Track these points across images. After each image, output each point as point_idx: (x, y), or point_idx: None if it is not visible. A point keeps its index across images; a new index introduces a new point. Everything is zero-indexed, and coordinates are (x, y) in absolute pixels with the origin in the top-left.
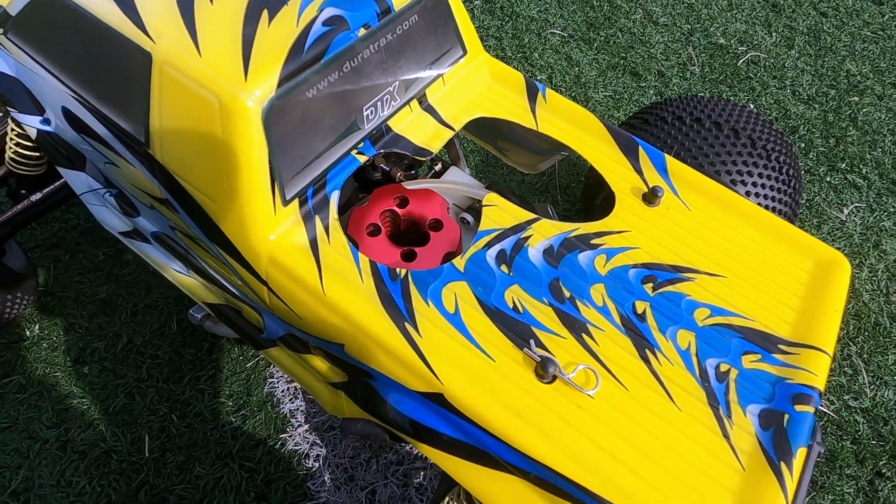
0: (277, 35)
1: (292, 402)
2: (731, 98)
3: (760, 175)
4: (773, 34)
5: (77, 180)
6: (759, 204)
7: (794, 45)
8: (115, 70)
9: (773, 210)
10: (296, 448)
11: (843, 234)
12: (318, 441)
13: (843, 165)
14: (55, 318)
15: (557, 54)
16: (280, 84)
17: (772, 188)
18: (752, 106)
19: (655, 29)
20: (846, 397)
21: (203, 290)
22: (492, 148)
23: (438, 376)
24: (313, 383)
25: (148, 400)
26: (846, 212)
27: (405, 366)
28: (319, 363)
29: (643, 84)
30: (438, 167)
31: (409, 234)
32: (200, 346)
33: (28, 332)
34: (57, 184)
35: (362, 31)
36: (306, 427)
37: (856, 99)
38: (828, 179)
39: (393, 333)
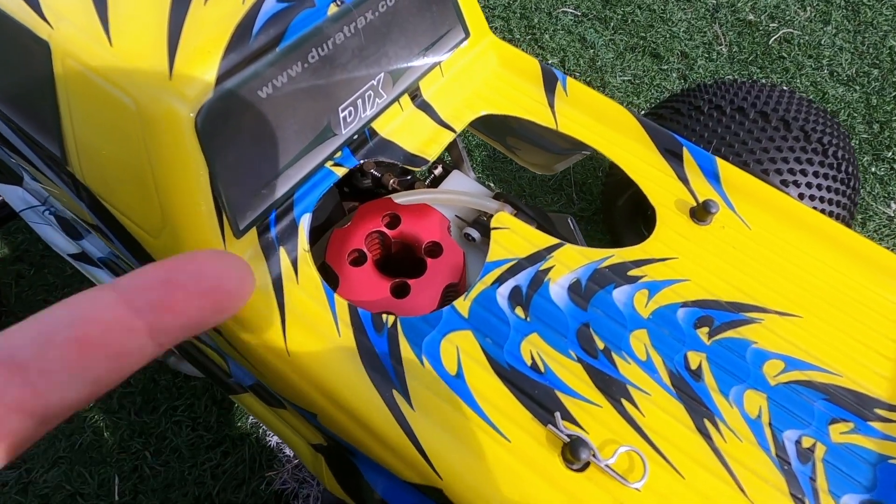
0: (216, 14)
1: None
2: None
3: (816, 174)
4: (808, 8)
5: (14, 196)
6: (814, 208)
7: (830, 20)
8: (18, 67)
9: (830, 215)
10: (283, 487)
11: (891, 231)
12: (309, 478)
13: (890, 154)
14: None
15: (570, 35)
16: (220, 81)
17: (829, 189)
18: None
19: (678, 5)
20: None
21: None
22: (500, 146)
23: (436, 467)
24: (292, 438)
25: (118, 435)
26: (894, 207)
27: (392, 451)
28: (296, 421)
29: (665, 66)
30: (438, 171)
31: (402, 260)
32: (177, 372)
33: None
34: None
35: (333, 9)
36: (295, 463)
37: None
38: (872, 170)
39: (376, 406)
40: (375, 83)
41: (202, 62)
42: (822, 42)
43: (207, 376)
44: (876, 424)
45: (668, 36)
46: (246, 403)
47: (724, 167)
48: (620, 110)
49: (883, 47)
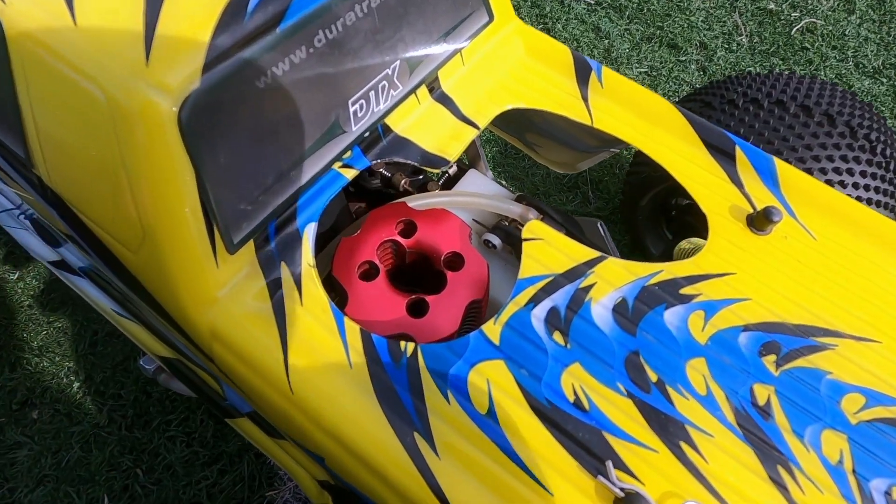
0: None
1: None
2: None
3: (863, 173)
4: None
5: None
6: None
7: (854, 9)
8: None
9: None
10: None
11: None
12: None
13: None
14: None
15: (584, 25)
16: (208, 67)
17: (877, 189)
18: None
19: None
20: None
21: (151, 339)
22: (518, 142)
23: None
24: (296, 469)
25: (108, 451)
26: None
27: None
28: (300, 455)
29: (683, 58)
30: (453, 170)
31: (417, 272)
32: None
33: None
34: None
35: None
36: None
37: None
38: None
39: (394, 452)
40: (390, 72)
41: (186, 44)
42: (847, 32)
43: (200, 397)
44: None
45: (685, 26)
46: (243, 429)
47: (783, 168)
48: (663, 104)
49: None
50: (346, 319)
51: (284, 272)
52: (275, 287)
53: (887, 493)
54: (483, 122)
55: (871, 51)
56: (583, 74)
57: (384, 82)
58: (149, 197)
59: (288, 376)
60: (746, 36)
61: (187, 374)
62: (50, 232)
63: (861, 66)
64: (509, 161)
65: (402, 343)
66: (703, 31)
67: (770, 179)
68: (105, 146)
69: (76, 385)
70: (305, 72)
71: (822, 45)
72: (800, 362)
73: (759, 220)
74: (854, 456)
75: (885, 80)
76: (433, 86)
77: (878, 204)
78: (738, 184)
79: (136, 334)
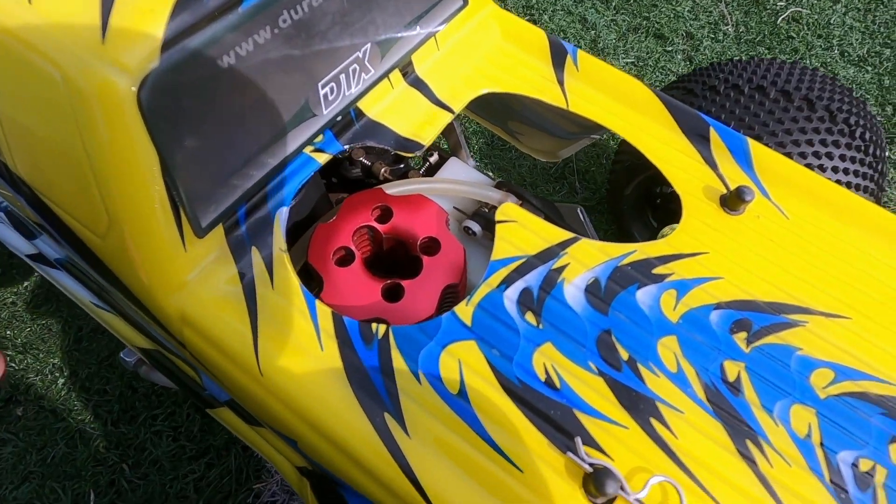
0: None
1: None
2: None
3: (843, 157)
4: None
5: None
6: None
7: None
8: None
9: None
10: (272, 500)
11: None
12: None
13: None
14: None
15: (570, 16)
16: (167, 46)
17: (856, 173)
18: None
19: None
20: None
21: (129, 331)
22: (500, 131)
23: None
24: (276, 457)
25: (94, 447)
26: None
27: (383, 485)
28: (278, 441)
29: (669, 48)
30: (434, 158)
31: (394, 258)
32: None
33: None
34: None
35: None
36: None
37: None
38: (886, 154)
39: (363, 433)
40: (361, 55)
41: (144, 21)
42: (832, 21)
43: (180, 388)
44: None
45: (672, 16)
46: (223, 418)
47: (757, 149)
48: (639, 86)
49: (895, 26)
50: (317, 303)
51: (255, 256)
52: (245, 271)
53: (854, 465)
54: (458, 107)
55: (856, 39)
56: (558, 58)
57: (355, 65)
58: (111, 180)
59: (258, 359)
60: (732, 25)
61: (167, 364)
62: (24, 224)
63: (846, 54)
64: (496, 152)
65: (374, 325)
66: (689, 21)
67: (743, 160)
68: (65, 129)
69: (61, 381)
70: (271, 53)
71: (807, 34)
72: (770, 339)
73: (732, 200)
74: (822, 429)
75: (869, 69)
76: (407, 70)
77: (857, 187)
78: (712, 165)
79: (114, 326)
